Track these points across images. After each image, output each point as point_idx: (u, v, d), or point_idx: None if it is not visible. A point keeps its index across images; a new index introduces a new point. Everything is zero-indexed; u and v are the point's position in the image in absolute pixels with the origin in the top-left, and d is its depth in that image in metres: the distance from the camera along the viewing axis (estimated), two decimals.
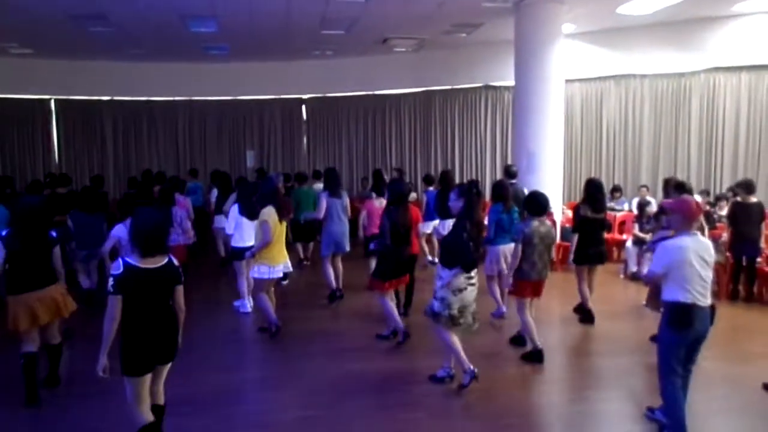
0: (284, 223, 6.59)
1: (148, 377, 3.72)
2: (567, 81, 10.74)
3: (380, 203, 7.85)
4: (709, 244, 4.19)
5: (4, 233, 4.81)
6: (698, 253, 4.04)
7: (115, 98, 15.36)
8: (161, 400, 3.95)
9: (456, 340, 5.12)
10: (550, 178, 9.92)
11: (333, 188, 7.93)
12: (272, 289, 6.84)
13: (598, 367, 5.90)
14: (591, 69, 12.37)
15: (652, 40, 11.55)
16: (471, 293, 5.08)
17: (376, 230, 7.72)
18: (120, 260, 3.63)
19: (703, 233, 5.32)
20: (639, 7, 9.98)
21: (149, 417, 3.74)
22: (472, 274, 5.05)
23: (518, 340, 6.26)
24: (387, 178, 10.36)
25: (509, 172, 8.79)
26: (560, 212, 10.34)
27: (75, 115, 15.26)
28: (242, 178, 10.69)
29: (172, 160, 15.71)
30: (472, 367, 5.10)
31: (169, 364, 3.87)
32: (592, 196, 6.97)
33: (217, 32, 11.37)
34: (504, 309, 7.23)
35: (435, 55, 13.79)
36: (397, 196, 6.23)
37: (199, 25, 10.77)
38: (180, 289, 3.81)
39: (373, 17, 10.44)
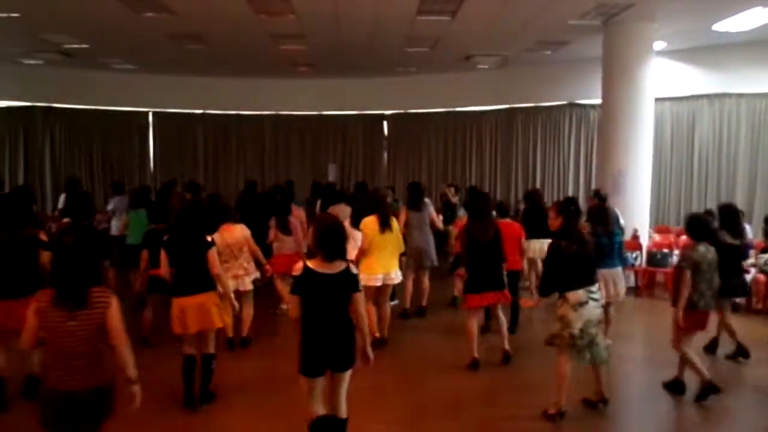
0: (389, 234, 6.48)
1: (320, 381, 3.82)
2: (657, 100, 10.37)
3: None
4: None
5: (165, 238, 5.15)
6: None
7: (207, 112, 16.10)
8: (342, 413, 3.94)
9: (567, 370, 4.84)
10: (638, 201, 9.61)
11: (413, 202, 8.00)
12: (381, 300, 6.68)
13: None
14: (683, 87, 11.87)
15: (750, 58, 10.97)
16: (594, 310, 4.79)
17: None
18: (302, 263, 3.82)
19: None
20: (736, 24, 9.52)
21: (320, 411, 3.84)
22: (593, 288, 4.79)
23: (676, 386, 5.48)
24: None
25: (599, 196, 8.38)
26: (647, 236, 9.97)
27: (170, 127, 16.10)
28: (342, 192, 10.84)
29: (258, 172, 16.22)
30: (563, 407, 4.86)
31: (347, 375, 3.88)
32: (729, 221, 6.55)
33: (305, 50, 11.75)
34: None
35: (518, 72, 13.65)
36: (474, 210, 6.19)
37: (288, 43, 11.17)
38: (357, 297, 3.82)
39: (457, 35, 10.50)
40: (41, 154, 15.13)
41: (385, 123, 16.15)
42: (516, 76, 13.78)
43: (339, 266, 3.76)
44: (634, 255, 9.40)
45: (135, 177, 15.62)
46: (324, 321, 3.75)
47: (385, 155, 16.29)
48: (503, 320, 6.22)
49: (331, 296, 3.75)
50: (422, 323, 7.84)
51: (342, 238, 3.82)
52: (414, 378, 5.94)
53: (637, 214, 9.60)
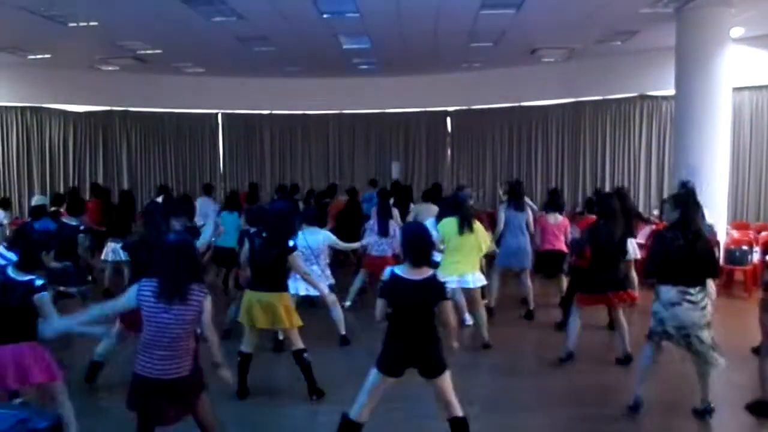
0: (469, 235, 6.29)
1: (390, 381, 3.86)
2: (735, 89, 9.91)
3: (555, 219, 7.82)
4: None
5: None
6: None
7: (274, 112, 16.45)
8: (457, 412, 3.88)
9: (647, 365, 4.85)
10: (714, 196, 9.17)
11: (516, 201, 7.90)
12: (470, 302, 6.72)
13: None
14: (764, 76, 11.26)
15: None
16: (691, 313, 4.54)
17: (549, 246, 7.67)
18: (390, 269, 3.90)
19: None
20: None
21: (361, 416, 3.86)
22: (691, 290, 4.55)
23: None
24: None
25: (687, 188, 7.99)
26: (725, 233, 9.53)
27: (238, 128, 16.55)
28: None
29: (323, 170, 16.50)
30: (640, 394, 4.81)
31: (443, 379, 3.83)
32: None
33: (368, 48, 11.83)
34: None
35: (585, 65, 13.28)
36: (607, 210, 6.04)
37: (352, 42, 11.28)
38: (444, 305, 3.84)
39: (522, 28, 10.33)
40: (119, 157, 15.86)
41: (448, 119, 16.07)
42: (583, 69, 13.41)
43: (425, 272, 3.79)
44: None
45: (206, 177, 16.12)
46: (407, 326, 3.79)
47: (449, 152, 16.20)
48: (623, 323, 6.03)
49: (415, 302, 3.78)
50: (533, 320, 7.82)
51: (428, 245, 3.86)
52: (506, 371, 5.89)
53: (713, 209, 9.17)
